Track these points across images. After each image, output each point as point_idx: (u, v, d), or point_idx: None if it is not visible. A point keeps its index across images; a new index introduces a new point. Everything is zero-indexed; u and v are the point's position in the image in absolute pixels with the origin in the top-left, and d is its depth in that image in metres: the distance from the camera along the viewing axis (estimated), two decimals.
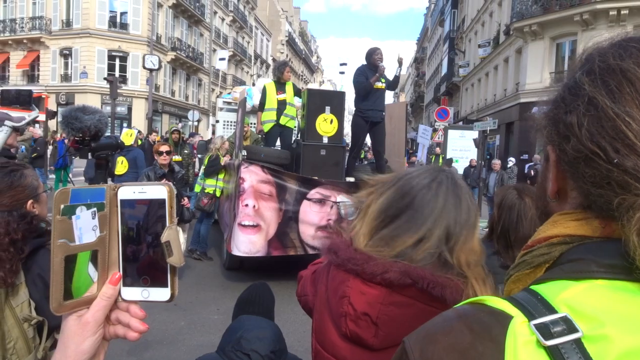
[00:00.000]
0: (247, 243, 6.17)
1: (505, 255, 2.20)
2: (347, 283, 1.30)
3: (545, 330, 0.51)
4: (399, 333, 1.23)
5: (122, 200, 0.69)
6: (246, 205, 6.17)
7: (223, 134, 10.33)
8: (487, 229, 2.42)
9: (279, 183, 6.35)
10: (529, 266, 0.64)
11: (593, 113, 0.57)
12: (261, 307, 2.20)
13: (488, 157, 21.75)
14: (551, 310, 0.53)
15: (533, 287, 0.59)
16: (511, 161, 16.34)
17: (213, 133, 12.37)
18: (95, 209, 0.68)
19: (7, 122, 2.80)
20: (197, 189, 8.36)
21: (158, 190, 0.69)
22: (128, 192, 0.69)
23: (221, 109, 11.42)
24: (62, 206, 0.66)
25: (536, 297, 0.56)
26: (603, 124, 0.55)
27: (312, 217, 6.42)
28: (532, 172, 15.67)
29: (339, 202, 6.51)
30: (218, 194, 8.01)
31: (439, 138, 20.69)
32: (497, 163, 15.52)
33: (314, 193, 6.47)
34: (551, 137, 0.64)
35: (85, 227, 0.67)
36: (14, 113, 3.07)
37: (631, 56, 0.57)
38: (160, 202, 0.69)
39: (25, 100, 2.95)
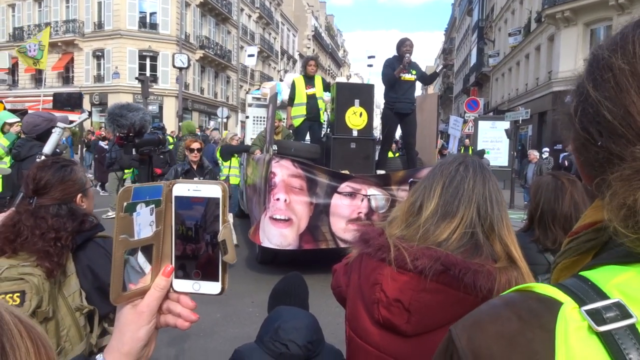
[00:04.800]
0: (278, 236, 6.24)
1: (545, 239, 2.19)
2: (379, 270, 1.31)
3: (597, 316, 0.50)
4: (432, 319, 1.25)
5: (176, 197, 0.72)
6: (277, 199, 6.23)
7: (237, 131, 10.52)
8: (525, 221, 2.41)
9: (309, 177, 6.38)
10: (575, 253, 0.63)
11: (583, 101, 0.60)
12: (296, 297, 2.23)
13: (520, 148, 21.31)
14: (603, 296, 0.52)
15: (582, 273, 0.58)
16: (546, 152, 15.95)
17: (242, 129, 12.52)
18: (153, 205, 0.71)
19: (59, 124, 2.93)
20: None
21: (212, 189, 0.71)
22: (183, 189, 0.72)
23: (250, 105, 11.52)
24: (124, 204, 0.69)
25: (586, 283, 0.55)
26: (589, 110, 0.58)
27: (343, 210, 6.44)
28: (567, 163, 15.28)
29: (369, 195, 6.51)
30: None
31: (469, 129, 20.36)
32: (533, 154, 15.16)
33: (345, 186, 6.48)
34: (566, 128, 0.66)
35: (144, 223, 0.70)
36: (57, 113, 3.21)
37: (611, 44, 0.59)
38: (215, 201, 0.71)
39: (76, 102, 3.09)
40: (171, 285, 0.74)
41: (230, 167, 9.55)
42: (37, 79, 34.11)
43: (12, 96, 31.89)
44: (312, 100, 8.00)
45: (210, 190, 0.71)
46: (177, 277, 0.73)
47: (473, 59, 44.68)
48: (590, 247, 0.61)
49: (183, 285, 0.73)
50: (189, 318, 0.74)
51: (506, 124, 16.22)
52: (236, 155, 9.59)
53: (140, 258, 0.72)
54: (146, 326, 0.72)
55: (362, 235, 1.41)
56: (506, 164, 18.12)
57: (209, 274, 0.72)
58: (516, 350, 0.53)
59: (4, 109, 9.06)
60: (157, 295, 0.72)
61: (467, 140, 19.64)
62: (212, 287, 0.73)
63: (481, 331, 0.57)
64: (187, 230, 0.72)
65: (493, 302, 0.61)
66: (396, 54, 7.52)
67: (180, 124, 14.09)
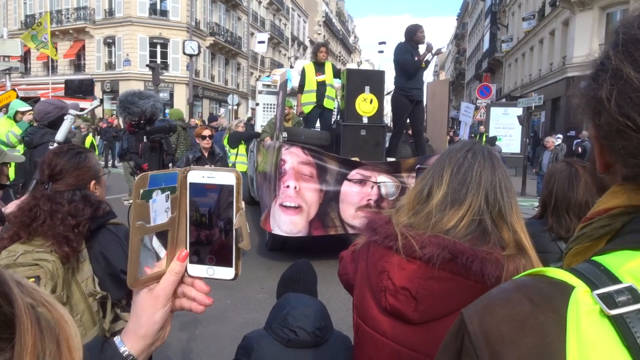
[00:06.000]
0: (288, 223, 6.26)
1: (559, 227, 2.16)
2: (387, 258, 1.31)
3: (609, 300, 0.50)
4: (439, 307, 1.25)
5: (191, 184, 0.73)
6: (287, 186, 6.24)
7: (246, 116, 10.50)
8: (537, 208, 2.38)
9: (319, 164, 6.37)
10: (589, 238, 0.62)
11: (620, 85, 0.56)
12: (305, 284, 2.25)
13: (532, 134, 21.07)
14: (615, 280, 0.52)
15: (595, 258, 0.57)
16: (559, 138, 15.75)
17: (253, 116, 12.54)
18: (168, 192, 0.73)
19: (71, 111, 2.95)
20: None
21: (226, 177, 0.72)
22: (197, 176, 0.73)
23: (261, 92, 11.49)
24: (141, 191, 0.70)
25: (599, 268, 0.54)
26: (630, 95, 0.54)
27: (353, 197, 6.43)
28: (580, 150, 15.10)
29: (379, 183, 6.50)
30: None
31: (481, 116, 20.18)
32: (549, 141, 15.00)
33: (355, 174, 6.47)
34: (588, 113, 0.63)
35: (160, 209, 0.72)
36: (68, 101, 3.25)
37: None
38: (228, 188, 0.72)
39: (87, 89, 3.11)
40: (186, 270, 0.75)
41: (237, 155, 9.58)
42: (50, 66, 34.35)
43: (25, 84, 32.16)
44: (322, 87, 7.96)
45: (224, 177, 0.73)
46: (191, 262, 0.75)
47: (486, 45, 44.11)
48: (604, 233, 0.60)
49: (197, 270, 0.75)
50: (203, 302, 0.76)
51: (519, 111, 16.05)
52: (243, 141, 9.61)
53: (156, 243, 0.75)
54: (162, 309, 0.73)
55: (370, 223, 1.41)
56: (518, 150, 17.96)
57: (223, 260, 0.74)
58: (527, 333, 0.53)
59: (17, 97, 9.14)
60: (172, 279, 0.74)
61: (481, 127, 19.47)
62: (225, 273, 0.74)
63: (492, 314, 0.57)
64: (201, 216, 0.74)
65: (504, 286, 0.62)
66: (406, 41, 7.44)
67: (167, 112, 14.09)
